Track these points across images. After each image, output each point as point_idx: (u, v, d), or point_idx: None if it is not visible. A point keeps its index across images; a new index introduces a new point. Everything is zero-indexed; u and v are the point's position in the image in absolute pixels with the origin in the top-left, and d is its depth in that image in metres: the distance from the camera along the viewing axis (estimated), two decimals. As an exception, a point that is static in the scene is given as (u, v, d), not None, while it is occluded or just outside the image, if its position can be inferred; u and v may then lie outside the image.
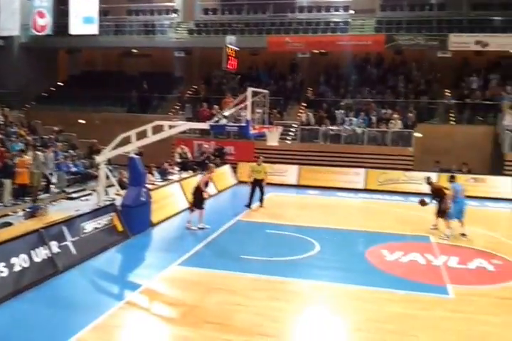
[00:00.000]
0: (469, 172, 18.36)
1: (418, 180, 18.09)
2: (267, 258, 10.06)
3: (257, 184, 14.93)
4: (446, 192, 12.13)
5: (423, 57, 22.53)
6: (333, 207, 15.77)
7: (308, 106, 21.84)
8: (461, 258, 10.27)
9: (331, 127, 19.99)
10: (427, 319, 7.44)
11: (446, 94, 21.88)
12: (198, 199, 12.33)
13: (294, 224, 12.95)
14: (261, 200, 15.12)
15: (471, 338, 6.86)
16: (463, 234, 11.82)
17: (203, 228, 12.19)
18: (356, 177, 18.75)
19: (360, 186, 18.55)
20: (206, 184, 12.48)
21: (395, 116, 19.61)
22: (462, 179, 17.72)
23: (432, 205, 12.59)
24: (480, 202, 16.41)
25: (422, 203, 12.64)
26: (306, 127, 20.26)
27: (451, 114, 21.15)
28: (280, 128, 13.77)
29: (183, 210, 13.90)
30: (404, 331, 7.01)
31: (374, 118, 20.04)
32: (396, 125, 19.39)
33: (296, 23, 23.79)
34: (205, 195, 12.42)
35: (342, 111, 20.59)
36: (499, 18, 21.79)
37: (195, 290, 8.38)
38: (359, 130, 19.65)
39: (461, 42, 20.69)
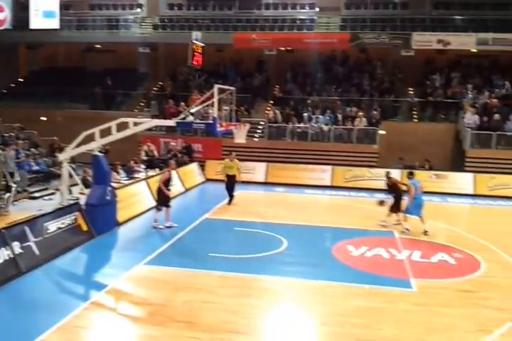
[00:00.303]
0: (431, 168, 18.86)
1: (383, 177, 18.43)
2: (235, 256, 10.06)
3: (230, 180, 15.01)
4: (404, 187, 12.40)
5: (387, 55, 22.94)
6: (301, 203, 15.90)
7: (276, 103, 21.92)
8: (424, 253, 10.54)
9: (298, 125, 20.13)
10: (392, 312, 7.61)
11: (410, 92, 22.36)
12: (162, 198, 12.20)
13: (262, 221, 12.99)
14: (230, 199, 15.18)
15: (434, 330, 7.05)
16: (425, 231, 11.98)
17: (170, 227, 12.08)
18: (323, 174, 18.97)
19: (327, 183, 18.78)
20: (167, 181, 12.32)
21: (360, 113, 19.91)
22: (425, 175, 18.30)
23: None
24: (442, 198, 16.90)
25: (381, 204, 12.85)
26: (274, 124, 20.33)
27: (414, 112, 21.63)
28: (247, 126, 13.77)
29: (150, 209, 13.72)
30: (369, 324, 7.15)
31: (340, 116, 20.29)
32: (361, 123, 19.69)
33: (262, 20, 23.86)
34: (167, 193, 12.27)
35: (309, 109, 20.76)
36: (460, 17, 22.42)
37: (162, 289, 8.30)
38: (326, 128, 19.85)
39: (424, 40, 21.17)
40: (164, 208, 12.21)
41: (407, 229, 12.07)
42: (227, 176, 15.05)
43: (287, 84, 22.91)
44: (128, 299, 7.95)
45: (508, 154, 18.23)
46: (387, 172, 13.31)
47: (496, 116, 18.90)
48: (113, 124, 11.75)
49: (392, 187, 12.70)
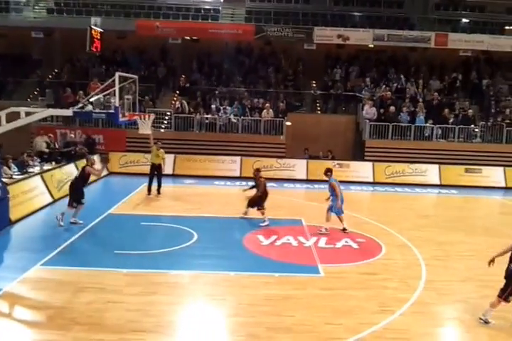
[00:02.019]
0: (333, 158, 19.60)
1: (290, 167, 18.93)
2: (142, 252, 9.68)
3: (155, 169, 15.04)
4: (335, 187, 11.37)
5: (291, 48, 23.36)
6: (211, 195, 15.75)
7: (182, 93, 21.45)
8: (330, 239, 10.91)
9: (205, 115, 19.88)
10: (301, 298, 7.77)
11: (313, 85, 23.03)
12: (76, 195, 11.34)
13: (170, 215, 12.67)
14: (158, 188, 15.16)
15: (341, 313, 7.28)
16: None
17: (75, 223, 11.32)
18: (232, 165, 18.96)
19: (237, 174, 18.80)
20: (87, 177, 11.62)
21: (267, 105, 20.13)
22: (328, 165, 18.94)
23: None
24: (345, 186, 17.44)
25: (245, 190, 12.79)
26: (180, 115, 19.89)
27: (317, 104, 22.34)
28: (152, 116, 13.36)
29: (47, 205, 12.86)
30: (280, 312, 7.23)
31: (247, 108, 20.36)
32: (268, 114, 19.92)
33: (165, 8, 23.19)
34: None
35: (217, 100, 20.58)
36: (358, 13, 23.43)
37: (63, 290, 7.75)
38: (234, 118, 19.82)
39: (325, 35, 21.86)
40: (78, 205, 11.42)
41: (326, 230, 11.37)
42: (153, 165, 15.04)
43: (193, 74, 22.53)
44: (25, 303, 7.33)
45: (402, 144, 19.51)
46: (257, 169, 12.84)
47: (392, 109, 20.06)
48: (2, 114, 10.79)
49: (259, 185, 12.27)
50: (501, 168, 18.99)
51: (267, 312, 7.18)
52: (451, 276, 8.96)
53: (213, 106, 20.23)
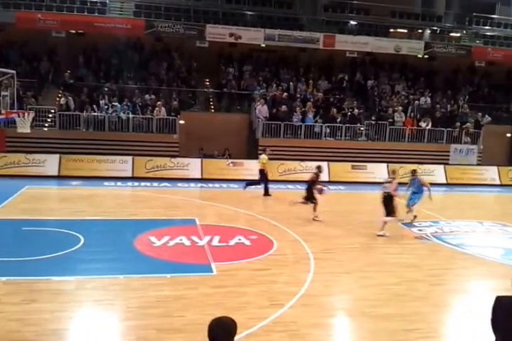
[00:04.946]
0: (229, 156, 19.80)
1: (184, 166, 18.76)
2: (23, 259, 8.99)
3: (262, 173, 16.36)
4: (426, 184, 13.21)
5: (183, 45, 23.06)
6: (100, 197, 15.08)
7: (67, 89, 20.22)
8: (223, 237, 10.96)
9: (93, 113, 18.96)
10: (193, 297, 7.72)
11: (206, 83, 23.00)
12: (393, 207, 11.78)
13: (55, 219, 11.94)
14: (266, 189, 16.31)
15: (232, 309, 7.30)
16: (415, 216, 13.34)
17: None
18: (123, 165, 18.33)
19: (128, 174, 18.21)
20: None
21: (159, 103, 19.72)
22: (223, 163, 19.13)
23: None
24: (239, 184, 17.84)
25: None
26: (66, 113, 18.75)
27: (211, 103, 22.36)
28: (32, 114, 12.44)
29: None
30: (170, 312, 7.13)
31: (138, 105, 19.78)
32: (160, 112, 19.53)
33: (49, 0, 21.69)
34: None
35: (105, 97, 19.72)
36: (250, 12, 23.77)
37: None
38: (124, 116, 19.14)
39: (217, 33, 21.85)
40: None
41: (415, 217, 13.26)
42: (263, 171, 16.30)
43: (79, 70, 21.35)
44: None
45: (294, 142, 20.22)
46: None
47: (283, 108, 20.71)
48: None
49: None
50: (385, 165, 20.28)
51: (157, 314, 7.05)
52: (336, 268, 9.45)
53: (101, 102, 19.35)
